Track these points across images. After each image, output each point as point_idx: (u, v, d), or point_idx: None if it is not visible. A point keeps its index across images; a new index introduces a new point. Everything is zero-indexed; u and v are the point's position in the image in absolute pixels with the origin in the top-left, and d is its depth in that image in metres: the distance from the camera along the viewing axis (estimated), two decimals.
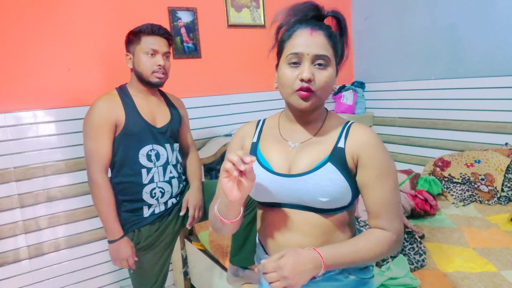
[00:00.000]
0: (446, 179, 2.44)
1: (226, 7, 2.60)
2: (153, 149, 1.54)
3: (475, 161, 2.34)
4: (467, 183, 2.34)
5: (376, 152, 0.88)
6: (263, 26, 2.76)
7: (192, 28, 2.47)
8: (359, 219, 1.77)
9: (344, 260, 0.86)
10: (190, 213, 1.61)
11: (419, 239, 1.66)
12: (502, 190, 2.23)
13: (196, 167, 1.74)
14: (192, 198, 1.62)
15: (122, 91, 1.56)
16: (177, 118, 1.66)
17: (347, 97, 3.04)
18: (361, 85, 3.14)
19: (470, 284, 1.43)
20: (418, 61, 2.80)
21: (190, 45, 2.48)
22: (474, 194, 2.28)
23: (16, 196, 1.96)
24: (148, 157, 1.53)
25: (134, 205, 1.54)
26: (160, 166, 1.55)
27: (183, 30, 2.43)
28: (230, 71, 2.67)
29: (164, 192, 1.57)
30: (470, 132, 2.56)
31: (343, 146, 0.90)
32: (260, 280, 1.12)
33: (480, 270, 1.53)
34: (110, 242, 1.49)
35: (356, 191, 0.91)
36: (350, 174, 0.89)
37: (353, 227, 0.98)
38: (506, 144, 2.37)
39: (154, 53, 1.50)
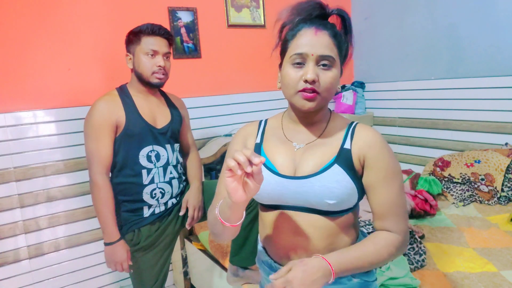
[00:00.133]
0: (446, 179, 2.44)
1: (226, 7, 2.60)
2: (153, 150, 1.54)
3: (475, 161, 2.34)
4: (467, 183, 2.34)
5: (382, 153, 0.88)
6: (263, 26, 2.76)
7: (192, 28, 2.47)
8: (359, 219, 1.77)
9: (353, 266, 0.85)
10: (190, 214, 1.61)
11: (419, 239, 1.66)
12: (502, 190, 2.23)
13: (196, 167, 1.74)
14: (192, 199, 1.62)
15: (123, 91, 1.55)
16: (177, 118, 1.65)
17: (347, 97, 3.04)
18: (361, 85, 3.14)
19: (470, 284, 1.43)
20: (418, 61, 2.80)
21: (190, 45, 2.48)
22: (474, 194, 2.28)
23: (16, 196, 1.96)
24: (148, 158, 1.52)
25: (134, 205, 1.53)
26: (160, 166, 1.55)
27: (183, 30, 2.43)
28: (230, 71, 2.67)
29: (164, 192, 1.57)
30: (470, 132, 2.56)
31: (349, 147, 0.89)
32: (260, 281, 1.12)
33: (480, 270, 1.53)
34: (106, 244, 1.48)
35: (361, 193, 0.91)
36: (356, 176, 0.88)
37: (357, 229, 0.97)
38: (506, 144, 2.37)
39: (154, 53, 1.49)
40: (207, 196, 1.69)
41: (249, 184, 0.77)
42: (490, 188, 2.25)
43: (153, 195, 1.54)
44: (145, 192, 1.53)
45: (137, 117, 1.51)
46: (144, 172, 1.52)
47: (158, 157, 1.55)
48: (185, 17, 2.43)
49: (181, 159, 1.68)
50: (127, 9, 2.21)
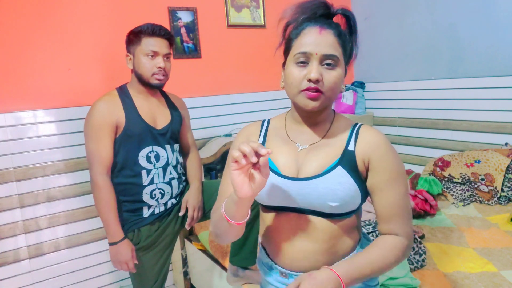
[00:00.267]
0: (446, 179, 2.44)
1: (226, 7, 2.60)
2: (153, 151, 1.53)
3: (475, 161, 2.34)
4: (467, 183, 2.34)
5: (387, 155, 0.87)
6: (263, 26, 2.76)
7: (192, 28, 2.47)
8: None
9: (362, 274, 0.84)
10: (189, 214, 1.61)
11: (419, 239, 1.66)
12: (502, 190, 2.23)
13: (196, 168, 1.74)
14: (191, 199, 1.62)
15: (123, 91, 1.55)
16: (177, 119, 1.65)
17: (347, 97, 3.04)
18: (361, 85, 3.14)
19: (470, 284, 1.43)
20: (418, 61, 2.80)
21: (190, 45, 2.48)
22: (474, 194, 2.28)
23: (16, 196, 1.96)
24: (148, 159, 1.52)
25: (134, 205, 1.53)
26: (160, 167, 1.55)
27: (183, 30, 2.43)
28: (230, 71, 2.67)
29: (164, 193, 1.57)
30: (470, 132, 2.56)
31: (353, 149, 0.87)
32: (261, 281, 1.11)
33: (480, 270, 1.53)
34: (110, 244, 1.48)
35: (365, 195, 0.90)
36: (360, 178, 0.87)
37: (359, 231, 0.96)
38: (506, 144, 2.37)
39: (155, 54, 1.48)
40: (207, 196, 1.69)
41: (255, 177, 0.76)
42: (490, 188, 2.25)
43: (153, 196, 1.54)
44: (145, 193, 1.52)
45: (137, 117, 1.51)
46: (143, 172, 1.52)
47: (157, 157, 1.55)
48: (185, 17, 2.43)
49: (181, 160, 1.68)
50: (127, 9, 2.21)
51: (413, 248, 1.61)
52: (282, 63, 0.93)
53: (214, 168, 2.49)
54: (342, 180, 0.85)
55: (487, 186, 2.26)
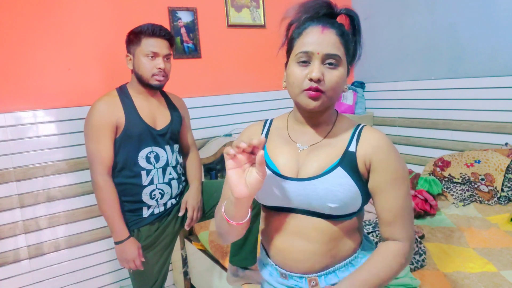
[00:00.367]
0: (446, 179, 2.44)
1: (226, 7, 2.60)
2: (152, 151, 1.53)
3: (475, 161, 2.34)
4: (467, 183, 2.34)
5: (389, 157, 0.86)
6: (263, 26, 2.76)
7: (192, 28, 2.47)
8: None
9: (368, 287, 0.84)
10: (189, 214, 1.61)
11: (419, 239, 1.66)
12: (502, 190, 2.23)
13: (196, 168, 1.73)
14: (191, 199, 1.62)
15: (122, 91, 1.55)
16: (177, 119, 1.65)
17: (347, 97, 3.04)
18: (361, 85, 3.14)
19: (470, 284, 1.43)
20: (418, 61, 2.80)
21: (190, 45, 2.48)
22: (474, 194, 2.28)
23: (16, 196, 1.96)
24: (148, 159, 1.52)
25: (133, 205, 1.53)
26: (159, 168, 1.55)
27: (183, 30, 2.43)
28: (230, 71, 2.67)
29: (164, 193, 1.57)
30: (470, 132, 2.56)
31: (354, 150, 0.86)
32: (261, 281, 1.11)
33: (480, 270, 1.53)
34: (116, 243, 1.48)
35: (366, 197, 0.89)
36: (361, 179, 0.86)
37: (361, 233, 0.96)
38: (506, 144, 2.37)
39: (155, 55, 1.47)
40: (207, 196, 1.69)
41: (252, 177, 0.77)
42: (490, 188, 2.25)
43: (152, 196, 1.54)
44: (145, 193, 1.52)
45: (137, 118, 1.50)
46: (143, 173, 1.51)
47: (157, 158, 1.54)
48: (185, 17, 2.44)
49: (180, 160, 1.67)
50: (127, 9, 2.21)
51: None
52: (285, 63, 0.93)
53: (214, 168, 2.49)
54: (342, 181, 0.84)
55: (487, 186, 2.26)
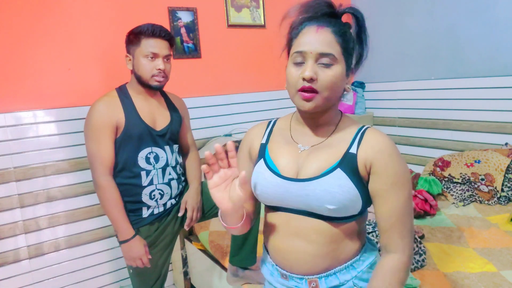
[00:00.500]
0: (446, 179, 2.44)
1: (226, 7, 2.60)
2: (152, 152, 1.53)
3: (475, 161, 2.34)
4: (467, 183, 2.34)
5: (390, 160, 0.84)
6: (263, 26, 2.76)
7: (192, 28, 2.47)
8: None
9: None
10: (188, 215, 1.61)
11: (419, 239, 1.66)
12: (502, 190, 2.23)
13: (195, 168, 1.73)
14: (190, 200, 1.62)
15: (122, 92, 1.54)
16: (177, 119, 1.64)
17: (347, 97, 3.04)
18: (361, 85, 3.14)
19: (470, 284, 1.43)
20: (418, 61, 2.80)
21: (190, 45, 2.48)
22: (474, 194, 2.28)
23: (16, 196, 1.96)
24: (147, 160, 1.52)
25: (133, 206, 1.53)
26: (159, 168, 1.54)
27: (183, 30, 2.44)
28: (230, 71, 2.67)
29: (163, 193, 1.57)
30: (470, 132, 2.56)
31: (355, 152, 0.85)
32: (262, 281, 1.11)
33: (480, 270, 1.53)
34: (122, 242, 1.48)
35: (368, 200, 0.87)
36: (361, 182, 0.85)
37: (363, 236, 0.94)
38: (506, 144, 2.37)
39: (154, 56, 1.46)
40: (206, 196, 1.68)
41: (234, 193, 0.81)
42: (490, 188, 2.25)
43: (152, 196, 1.54)
44: (144, 194, 1.52)
45: (137, 119, 1.50)
46: (143, 173, 1.51)
47: (157, 158, 1.54)
48: (185, 17, 2.44)
49: (180, 160, 1.67)
50: (127, 9, 2.22)
51: (413, 248, 1.61)
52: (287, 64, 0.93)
53: None
54: (341, 183, 0.82)
55: (487, 186, 2.26)
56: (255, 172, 0.94)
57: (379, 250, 0.93)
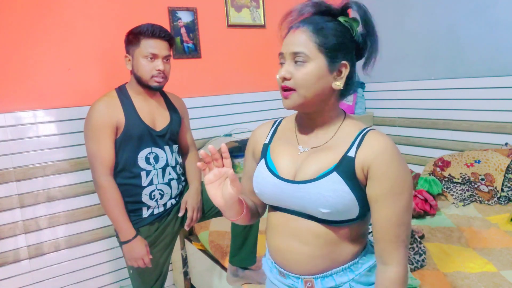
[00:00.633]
0: (446, 179, 2.44)
1: (226, 7, 2.60)
2: (152, 152, 1.53)
3: (475, 161, 2.34)
4: (467, 183, 2.34)
5: (389, 166, 0.80)
6: (263, 26, 2.76)
7: (192, 28, 2.47)
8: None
9: None
10: (189, 215, 1.61)
11: (419, 239, 1.66)
12: (502, 190, 2.23)
13: (195, 168, 1.73)
14: (191, 200, 1.62)
15: (122, 92, 1.54)
16: (176, 119, 1.64)
17: (347, 97, 3.04)
18: (361, 85, 3.14)
19: (470, 284, 1.43)
20: (418, 61, 2.80)
21: (190, 45, 2.48)
22: (474, 194, 2.28)
23: (16, 196, 1.96)
24: (147, 160, 1.52)
25: (133, 206, 1.53)
26: (159, 168, 1.54)
27: (183, 30, 2.44)
28: (230, 71, 2.67)
29: (164, 194, 1.56)
30: (470, 132, 2.56)
31: (353, 156, 0.83)
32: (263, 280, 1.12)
33: (480, 270, 1.53)
34: (123, 243, 1.48)
35: (365, 204, 0.85)
36: (358, 187, 0.83)
37: (363, 239, 0.92)
38: (506, 144, 2.37)
39: (154, 57, 1.45)
40: (206, 196, 1.68)
41: (226, 190, 0.83)
42: (490, 188, 2.25)
43: (152, 197, 1.54)
44: (144, 194, 1.52)
45: (137, 119, 1.49)
46: (143, 174, 1.51)
47: (157, 159, 1.54)
48: (185, 17, 2.44)
49: (180, 160, 1.67)
50: (127, 9, 2.22)
51: (413, 248, 1.61)
52: None
53: None
54: (335, 187, 0.81)
55: (487, 186, 2.26)
56: (256, 171, 0.95)
57: None
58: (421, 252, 1.60)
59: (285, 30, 0.90)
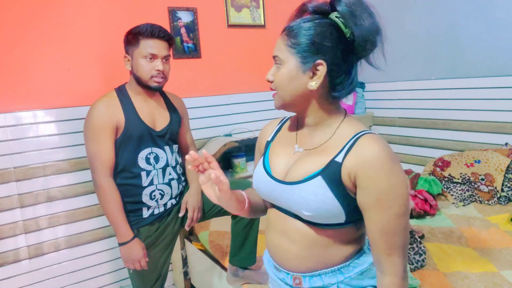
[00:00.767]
0: (446, 179, 2.44)
1: (226, 7, 2.60)
2: (152, 152, 1.53)
3: (475, 161, 2.34)
4: (467, 183, 2.34)
5: (377, 174, 0.76)
6: (263, 26, 2.76)
7: (192, 28, 2.47)
8: None
9: None
10: (189, 215, 1.61)
11: (419, 239, 1.66)
12: (502, 190, 2.23)
13: None
14: (191, 200, 1.62)
15: (121, 92, 1.54)
16: (176, 119, 1.64)
17: (347, 97, 3.03)
18: (361, 85, 3.14)
19: (470, 284, 1.43)
20: (418, 61, 2.80)
21: (190, 45, 2.48)
22: (474, 194, 2.28)
23: (16, 196, 1.96)
24: (147, 160, 1.52)
25: (133, 206, 1.53)
26: (159, 168, 1.54)
27: (183, 30, 2.44)
28: (230, 71, 2.67)
29: (164, 194, 1.56)
30: (470, 132, 2.56)
31: (340, 161, 0.80)
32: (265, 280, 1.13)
33: (480, 270, 1.53)
34: (120, 244, 1.47)
35: (354, 211, 0.82)
36: (343, 192, 0.80)
37: (358, 243, 0.90)
38: (506, 144, 2.37)
39: (153, 57, 1.45)
40: (206, 196, 1.68)
41: (217, 190, 0.87)
42: (490, 188, 2.25)
43: (152, 197, 1.54)
44: (144, 194, 1.52)
45: (136, 119, 1.49)
46: (143, 174, 1.51)
47: (157, 159, 1.54)
48: (185, 17, 2.44)
49: (180, 160, 1.67)
50: (127, 9, 2.22)
51: (413, 248, 1.61)
52: None
53: None
54: (318, 191, 0.80)
55: (487, 186, 2.26)
56: (256, 167, 0.99)
57: None
58: (421, 252, 1.60)
59: None
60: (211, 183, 0.88)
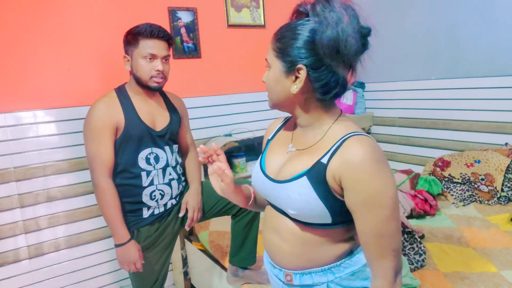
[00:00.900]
0: (446, 179, 2.44)
1: (226, 7, 2.60)
2: (152, 152, 1.53)
3: (475, 161, 2.34)
4: (467, 183, 2.34)
5: (361, 176, 0.75)
6: (263, 26, 2.76)
7: (192, 28, 2.47)
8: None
9: None
10: (189, 215, 1.61)
11: (419, 239, 1.66)
12: (502, 190, 2.23)
13: (195, 168, 1.73)
14: (191, 200, 1.62)
15: (121, 92, 1.53)
16: (176, 119, 1.64)
17: (347, 97, 3.04)
18: (361, 85, 3.14)
19: (470, 284, 1.43)
20: (418, 61, 2.80)
21: (190, 45, 2.48)
22: (474, 194, 2.28)
23: (16, 196, 1.96)
24: (147, 160, 1.52)
25: (133, 206, 1.53)
26: (159, 168, 1.54)
27: (183, 30, 2.44)
28: (230, 71, 2.67)
29: (164, 194, 1.56)
30: (470, 132, 2.56)
31: (325, 163, 0.80)
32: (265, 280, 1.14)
33: (480, 270, 1.53)
34: (117, 246, 1.47)
35: (341, 212, 0.82)
36: (328, 193, 0.80)
37: (348, 244, 0.89)
38: (506, 144, 2.37)
39: (153, 57, 1.45)
40: (206, 196, 1.68)
41: (222, 183, 0.93)
42: (490, 188, 2.25)
43: (153, 197, 1.54)
44: (145, 194, 1.52)
45: (136, 119, 1.49)
46: (143, 174, 1.51)
47: (157, 159, 1.54)
48: (185, 17, 2.44)
49: (180, 160, 1.67)
50: (127, 9, 2.22)
51: (413, 248, 1.61)
52: None
53: None
54: (302, 191, 0.81)
55: (487, 186, 2.26)
56: (255, 165, 1.02)
57: None
58: (421, 252, 1.60)
59: None
60: (217, 175, 0.93)
